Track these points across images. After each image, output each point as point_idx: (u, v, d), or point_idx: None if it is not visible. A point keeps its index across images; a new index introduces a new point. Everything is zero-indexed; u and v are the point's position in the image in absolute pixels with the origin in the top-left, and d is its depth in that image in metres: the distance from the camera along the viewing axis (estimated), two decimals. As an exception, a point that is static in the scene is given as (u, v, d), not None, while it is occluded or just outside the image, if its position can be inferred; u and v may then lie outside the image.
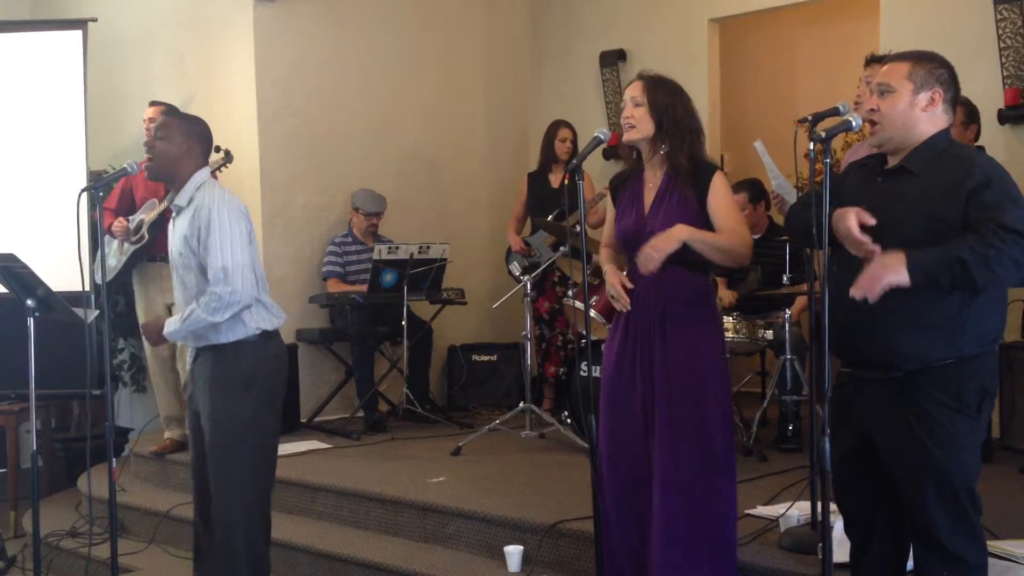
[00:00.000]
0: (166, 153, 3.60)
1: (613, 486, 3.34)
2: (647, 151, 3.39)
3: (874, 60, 4.17)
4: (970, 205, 2.65)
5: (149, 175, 3.68)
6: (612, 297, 3.40)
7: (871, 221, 2.70)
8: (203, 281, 3.56)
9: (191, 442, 3.78)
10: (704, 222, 3.31)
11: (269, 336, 3.68)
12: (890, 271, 2.60)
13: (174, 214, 3.67)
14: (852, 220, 2.69)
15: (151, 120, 5.77)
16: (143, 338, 3.72)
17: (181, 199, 3.62)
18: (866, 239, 2.67)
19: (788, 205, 4.02)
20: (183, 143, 3.61)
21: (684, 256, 3.27)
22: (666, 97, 3.33)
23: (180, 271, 3.62)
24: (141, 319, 5.60)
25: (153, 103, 5.73)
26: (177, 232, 3.64)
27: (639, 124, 3.33)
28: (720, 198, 3.32)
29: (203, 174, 3.65)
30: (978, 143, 4.62)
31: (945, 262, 2.59)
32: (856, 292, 2.64)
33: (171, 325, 3.58)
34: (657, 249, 3.23)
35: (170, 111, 5.52)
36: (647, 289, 3.34)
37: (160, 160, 3.60)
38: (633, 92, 3.36)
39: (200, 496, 3.74)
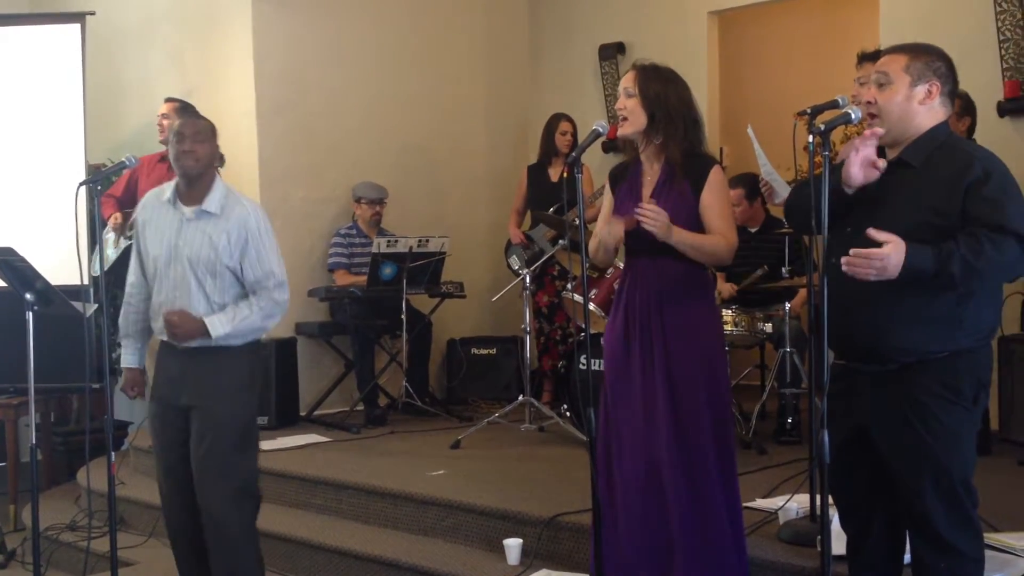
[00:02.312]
0: (205, 156, 3.65)
1: (618, 477, 3.34)
2: (642, 143, 3.36)
3: (866, 58, 4.14)
4: (968, 199, 2.65)
5: (190, 174, 3.65)
6: (613, 222, 3.29)
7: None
8: (234, 286, 3.64)
9: (166, 438, 3.75)
10: (699, 216, 3.30)
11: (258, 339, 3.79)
12: (886, 273, 2.58)
13: (192, 217, 3.65)
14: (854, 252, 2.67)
15: (165, 116, 5.77)
16: (166, 331, 3.66)
17: (212, 206, 3.64)
18: (869, 251, 2.63)
19: (777, 193, 4.01)
20: (214, 144, 3.70)
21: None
22: (658, 87, 3.28)
23: (199, 274, 3.62)
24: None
25: (169, 99, 5.73)
26: (200, 236, 3.63)
27: (631, 116, 3.30)
28: (714, 196, 3.29)
29: (220, 180, 3.72)
30: (975, 136, 4.61)
31: (935, 271, 2.58)
32: (847, 266, 2.60)
33: (220, 326, 3.57)
34: (652, 220, 3.15)
35: (185, 109, 5.53)
36: (645, 278, 3.33)
37: (199, 163, 3.63)
38: (626, 83, 3.33)
39: (181, 489, 3.72)
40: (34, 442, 3.93)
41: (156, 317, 3.73)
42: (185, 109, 5.59)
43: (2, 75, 6.28)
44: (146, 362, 3.93)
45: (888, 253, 2.56)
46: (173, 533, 3.85)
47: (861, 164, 2.72)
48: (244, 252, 3.61)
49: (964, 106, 4.57)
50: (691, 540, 3.23)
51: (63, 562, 5.04)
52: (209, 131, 3.70)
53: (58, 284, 3.91)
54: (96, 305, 4.26)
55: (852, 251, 2.60)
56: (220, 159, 5.51)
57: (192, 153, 3.61)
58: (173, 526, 3.83)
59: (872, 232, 2.61)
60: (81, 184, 3.72)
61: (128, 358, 3.91)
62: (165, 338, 3.72)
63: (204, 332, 3.57)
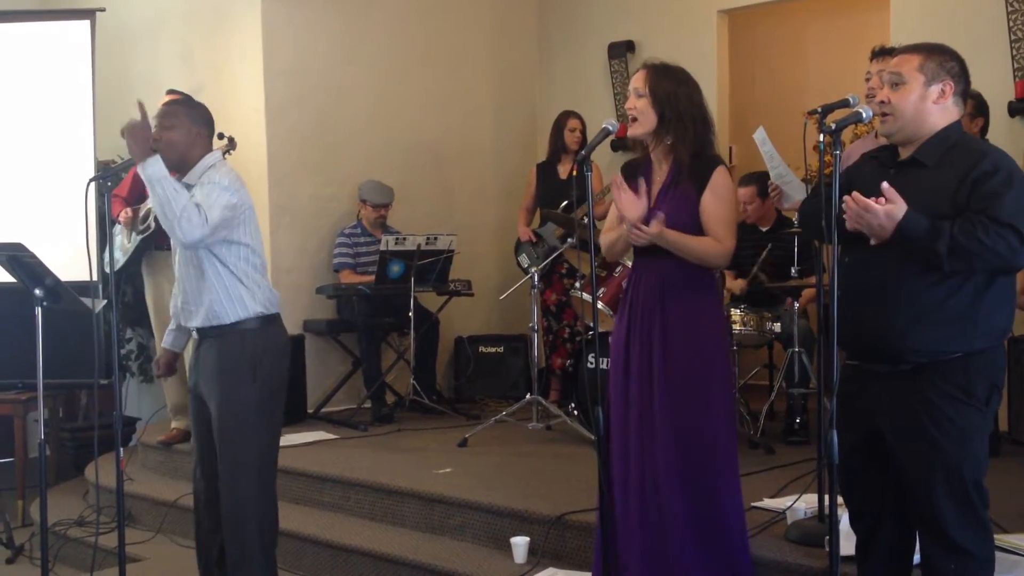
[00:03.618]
0: (176, 143, 3.59)
1: (620, 477, 3.34)
2: (652, 142, 3.36)
3: (882, 52, 4.14)
4: (972, 192, 2.65)
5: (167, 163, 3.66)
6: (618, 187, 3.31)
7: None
8: (224, 251, 3.58)
9: (196, 426, 3.78)
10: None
11: (271, 321, 3.71)
12: (884, 226, 2.63)
13: None
14: (857, 196, 2.69)
15: None
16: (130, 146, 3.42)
17: (192, 178, 3.62)
18: (870, 202, 2.66)
19: (787, 196, 4.01)
20: (191, 129, 3.62)
21: None
22: (669, 87, 3.27)
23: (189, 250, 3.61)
24: (151, 308, 5.61)
25: (170, 91, 5.73)
26: None
27: (641, 116, 3.29)
28: (715, 199, 3.26)
29: (213, 156, 3.67)
30: (986, 137, 4.60)
31: (923, 246, 2.62)
32: (849, 205, 2.65)
33: (158, 165, 3.36)
34: (637, 234, 3.21)
35: (186, 101, 5.52)
36: (648, 276, 3.33)
37: (171, 150, 3.58)
38: (636, 83, 3.31)
39: (206, 483, 3.75)
40: (43, 437, 3.93)
41: (174, 297, 3.76)
42: (176, 100, 5.58)
43: (12, 71, 6.29)
44: (185, 346, 3.95)
45: (885, 210, 2.62)
46: (198, 524, 3.84)
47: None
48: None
49: (977, 107, 4.56)
50: (689, 545, 3.22)
51: (71, 557, 5.05)
52: (182, 116, 3.61)
53: (67, 280, 3.91)
54: (105, 301, 4.26)
55: (855, 195, 2.65)
56: (231, 143, 5.53)
57: (158, 142, 3.57)
58: (199, 516, 3.83)
59: (885, 187, 2.63)
60: (91, 180, 3.72)
61: (165, 337, 3.96)
62: (181, 321, 3.74)
63: (147, 146, 3.39)
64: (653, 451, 3.26)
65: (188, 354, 4.04)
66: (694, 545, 3.22)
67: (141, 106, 3.45)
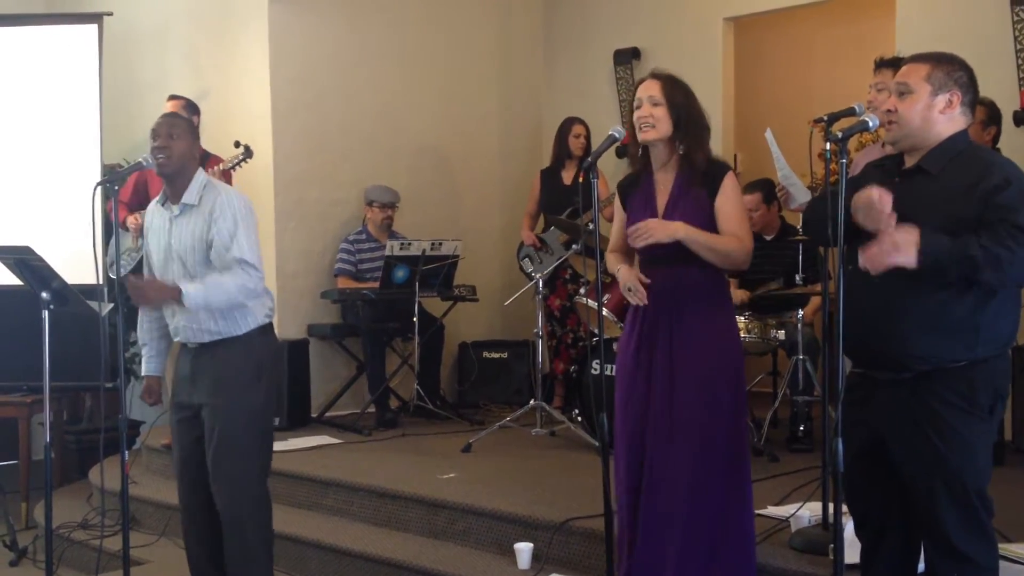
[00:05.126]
0: (182, 152, 3.63)
1: (631, 487, 3.34)
2: (661, 151, 3.38)
3: (883, 64, 4.13)
4: (987, 205, 2.64)
5: (164, 172, 3.66)
6: (629, 291, 3.38)
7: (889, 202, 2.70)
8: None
9: (180, 437, 3.77)
10: (715, 222, 3.32)
11: (270, 329, 3.77)
12: (901, 252, 2.58)
13: (177, 213, 3.66)
14: (873, 189, 2.68)
15: None
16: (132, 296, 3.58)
17: (190, 197, 3.64)
18: (885, 207, 2.64)
19: (793, 198, 4.01)
20: (189, 141, 3.67)
21: (695, 255, 3.27)
22: (683, 96, 3.34)
23: (188, 267, 3.62)
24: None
25: (173, 97, 5.74)
26: (185, 230, 3.64)
27: (658, 124, 3.32)
28: (728, 201, 3.32)
29: (203, 172, 3.71)
30: (998, 146, 4.60)
31: (956, 256, 2.58)
32: (863, 261, 2.61)
33: (193, 291, 3.49)
34: (652, 230, 3.24)
35: (188, 107, 5.55)
36: (661, 287, 3.34)
37: (178, 159, 3.61)
38: (650, 91, 3.34)
39: (195, 489, 3.74)
40: (47, 440, 3.94)
41: (170, 319, 3.74)
42: (188, 107, 5.61)
43: (19, 75, 6.31)
44: (166, 368, 3.94)
45: (897, 236, 2.57)
46: (187, 532, 3.85)
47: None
48: (217, 235, 3.57)
49: (990, 115, 4.56)
50: (692, 549, 3.23)
51: (75, 560, 5.06)
52: (184, 127, 3.67)
53: (73, 283, 3.93)
54: (111, 304, 4.27)
55: (860, 249, 2.62)
56: (247, 151, 5.55)
57: (165, 150, 3.60)
58: (187, 525, 3.84)
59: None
60: (97, 184, 3.74)
61: (146, 365, 3.95)
62: (180, 338, 3.74)
63: (175, 294, 3.51)
64: (667, 456, 3.27)
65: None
66: (693, 553, 3.23)
67: (128, 278, 3.57)
